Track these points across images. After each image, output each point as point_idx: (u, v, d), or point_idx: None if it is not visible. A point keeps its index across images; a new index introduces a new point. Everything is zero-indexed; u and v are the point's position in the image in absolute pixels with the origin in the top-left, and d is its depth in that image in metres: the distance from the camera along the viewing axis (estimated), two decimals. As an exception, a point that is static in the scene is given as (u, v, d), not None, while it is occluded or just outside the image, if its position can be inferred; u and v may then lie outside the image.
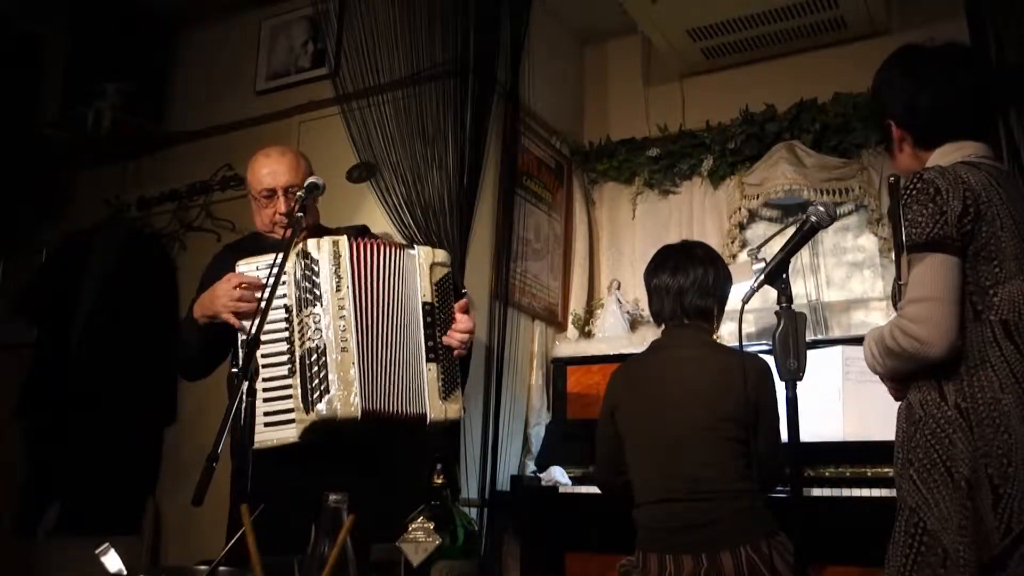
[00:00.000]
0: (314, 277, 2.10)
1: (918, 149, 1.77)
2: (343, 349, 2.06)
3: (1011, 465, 1.49)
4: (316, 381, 2.03)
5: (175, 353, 2.33)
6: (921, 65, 1.78)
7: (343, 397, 2.03)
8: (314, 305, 2.08)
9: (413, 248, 2.23)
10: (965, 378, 1.56)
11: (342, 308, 2.08)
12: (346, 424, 2.04)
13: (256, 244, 2.28)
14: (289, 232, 2.01)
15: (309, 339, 2.06)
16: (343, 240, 2.14)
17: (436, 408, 2.12)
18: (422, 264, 2.20)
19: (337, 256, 2.12)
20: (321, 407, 2.02)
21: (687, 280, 2.35)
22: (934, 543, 1.53)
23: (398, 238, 2.99)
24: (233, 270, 2.15)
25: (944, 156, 1.71)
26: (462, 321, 2.20)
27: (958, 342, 1.57)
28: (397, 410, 2.09)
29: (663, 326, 2.44)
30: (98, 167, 4.01)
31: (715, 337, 2.42)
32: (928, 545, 1.54)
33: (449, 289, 2.23)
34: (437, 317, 2.18)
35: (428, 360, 2.14)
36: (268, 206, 2.27)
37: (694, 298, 2.35)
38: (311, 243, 2.13)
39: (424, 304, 2.17)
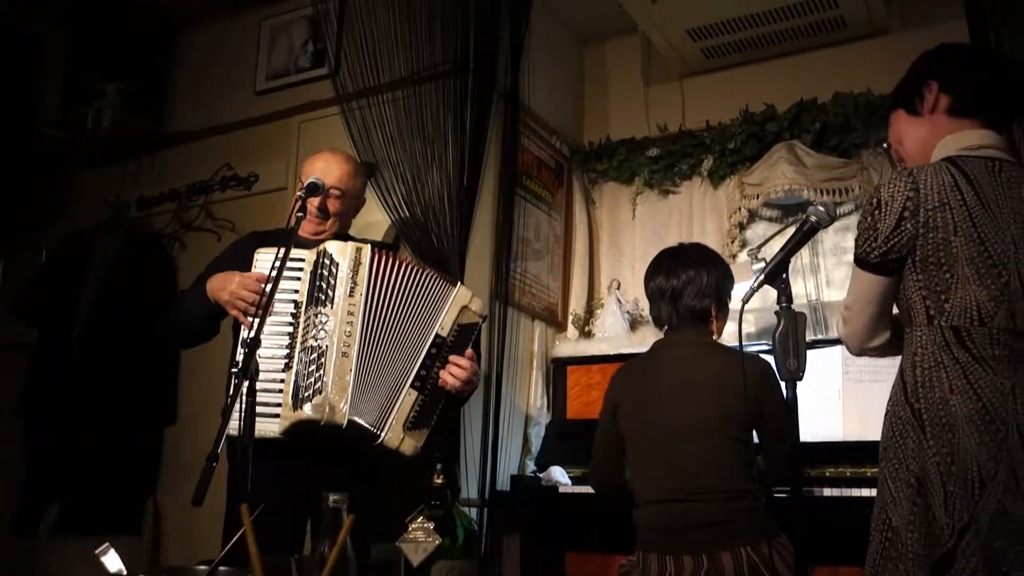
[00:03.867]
0: (330, 279, 2.11)
1: (948, 116, 1.77)
2: (344, 354, 2.06)
3: (954, 464, 1.52)
4: (311, 380, 2.03)
5: (171, 319, 2.32)
6: (983, 51, 1.93)
7: (333, 402, 2.03)
8: (324, 305, 2.09)
9: (456, 284, 2.25)
10: (920, 379, 1.60)
11: (351, 314, 2.10)
12: (329, 429, 2.03)
13: (285, 238, 2.28)
14: (295, 212, 2.03)
15: (312, 338, 2.07)
16: (366, 248, 2.17)
17: (394, 434, 2.08)
18: (456, 300, 2.21)
19: (357, 263, 2.14)
20: (308, 408, 2.02)
21: (680, 282, 2.35)
22: (896, 539, 1.56)
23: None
24: (252, 256, 2.16)
25: (954, 142, 1.73)
26: (463, 361, 2.18)
27: (874, 343, 1.75)
28: (366, 423, 2.07)
29: (664, 328, 2.44)
30: (98, 167, 4.01)
31: (715, 337, 2.41)
32: (891, 541, 1.58)
33: (470, 337, 2.23)
34: (443, 353, 2.17)
35: (412, 386, 2.12)
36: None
37: (689, 300, 2.34)
38: (334, 245, 2.15)
39: (436, 336, 2.17)
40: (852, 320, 1.76)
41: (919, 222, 1.61)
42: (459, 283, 2.27)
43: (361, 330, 2.10)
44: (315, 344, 2.06)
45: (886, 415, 1.67)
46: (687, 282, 2.35)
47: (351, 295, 2.11)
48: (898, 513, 1.57)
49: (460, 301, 2.21)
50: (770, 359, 2.05)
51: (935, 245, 1.61)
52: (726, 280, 2.41)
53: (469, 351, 2.22)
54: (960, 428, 1.52)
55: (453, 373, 2.16)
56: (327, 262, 2.13)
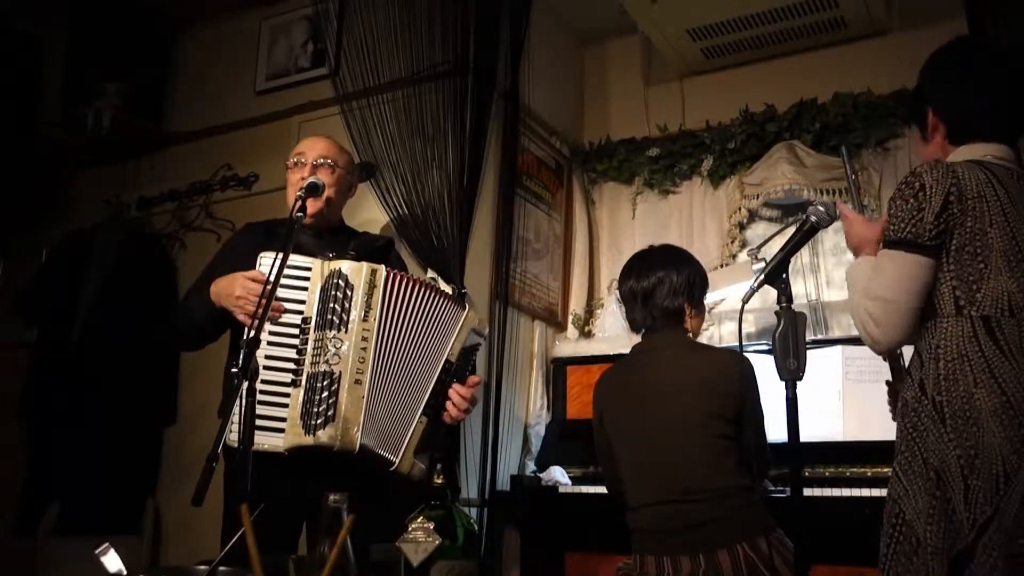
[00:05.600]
0: (344, 301, 2.08)
1: (947, 143, 1.78)
2: (356, 381, 2.04)
3: (977, 458, 1.52)
4: (323, 406, 2.01)
5: (174, 322, 2.31)
6: (973, 62, 1.81)
7: (345, 430, 2.01)
8: (338, 329, 2.06)
9: (464, 307, 2.24)
10: (942, 371, 1.59)
11: (365, 339, 2.07)
12: (341, 454, 2.03)
13: (284, 228, 2.26)
14: (295, 212, 2.01)
15: (325, 361, 2.04)
16: (381, 270, 2.13)
17: (407, 460, 2.08)
18: (464, 324, 2.19)
19: (372, 286, 2.10)
20: (322, 434, 2.00)
21: (650, 283, 2.35)
22: (910, 532, 1.57)
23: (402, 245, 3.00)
24: (254, 253, 2.13)
25: (965, 154, 1.74)
26: (465, 391, 2.17)
27: (905, 340, 1.68)
28: (380, 450, 2.07)
29: (640, 332, 2.43)
30: (98, 167, 4.01)
31: (690, 335, 2.41)
32: (904, 534, 1.58)
33: (471, 358, 2.23)
34: (451, 378, 2.17)
35: (423, 412, 2.12)
36: (294, 172, 2.33)
37: (661, 300, 2.34)
38: (348, 265, 2.12)
39: (447, 362, 2.16)
40: (889, 316, 1.66)
41: (964, 208, 1.62)
42: (467, 307, 2.25)
43: (375, 357, 2.07)
44: (327, 369, 2.03)
45: (903, 412, 1.66)
46: (657, 283, 2.34)
47: (365, 319, 2.07)
48: (912, 506, 1.57)
49: (468, 325, 2.20)
50: (769, 359, 2.05)
51: (973, 234, 1.61)
52: (698, 278, 2.40)
53: (474, 377, 2.22)
54: (985, 422, 1.52)
55: (456, 404, 2.16)
56: (340, 283, 2.09)
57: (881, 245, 1.72)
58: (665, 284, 2.34)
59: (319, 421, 2.00)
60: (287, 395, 2.03)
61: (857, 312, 1.72)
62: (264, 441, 1.96)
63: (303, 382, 2.04)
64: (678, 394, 2.24)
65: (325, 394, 2.02)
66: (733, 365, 2.23)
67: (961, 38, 1.90)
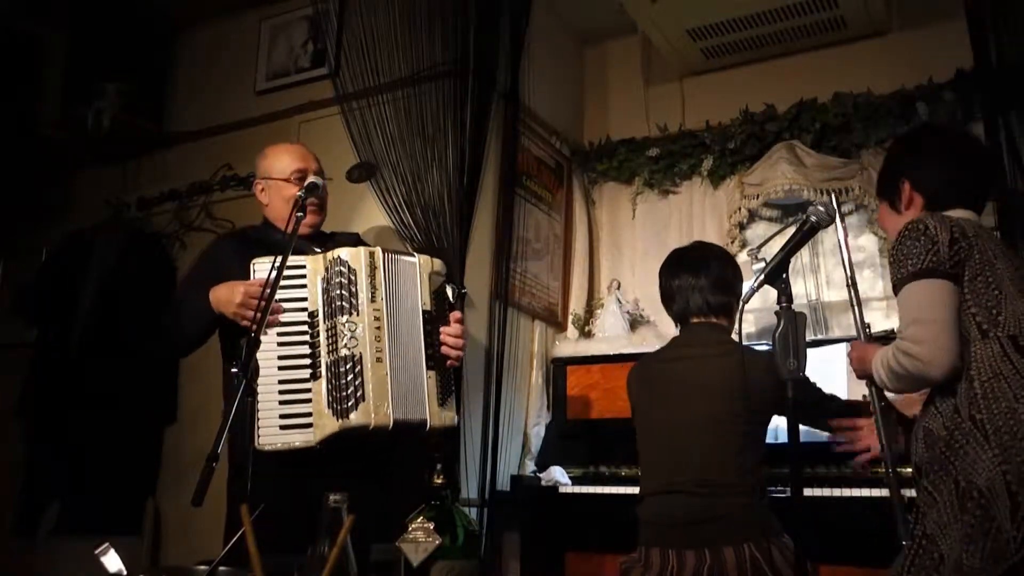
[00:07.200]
0: (351, 286, 2.11)
1: (924, 212, 1.84)
2: (378, 360, 2.09)
3: None
4: (351, 389, 2.04)
5: (169, 328, 2.27)
6: (946, 143, 1.92)
7: (378, 407, 2.05)
8: (349, 313, 2.10)
9: (413, 256, 2.26)
10: (979, 391, 1.59)
11: (377, 319, 2.11)
12: (376, 433, 2.05)
13: (268, 237, 2.27)
14: (291, 227, 2.00)
15: (344, 346, 2.08)
16: (378, 251, 2.17)
17: (435, 415, 2.14)
18: (422, 273, 2.23)
19: (373, 267, 2.15)
20: (354, 416, 2.03)
21: (710, 278, 2.38)
22: (931, 546, 1.56)
23: (396, 240, 3.00)
24: (241, 262, 2.13)
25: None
26: (454, 330, 2.23)
27: (957, 362, 1.62)
28: (411, 417, 2.11)
29: (681, 325, 2.45)
30: (98, 167, 4.01)
31: (732, 333, 2.43)
32: (925, 548, 1.57)
33: (444, 298, 2.27)
34: (435, 326, 2.21)
35: (428, 367, 2.17)
36: (296, 187, 2.25)
37: (719, 294, 2.38)
38: (346, 252, 2.15)
39: (424, 312, 2.20)
40: (932, 333, 1.62)
41: (969, 244, 1.66)
42: (414, 253, 2.31)
43: (389, 333, 2.12)
44: (348, 353, 2.07)
45: (928, 439, 1.66)
46: (718, 277, 2.38)
47: (373, 300, 2.12)
48: (934, 521, 1.57)
49: (426, 270, 2.24)
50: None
51: (982, 265, 1.66)
52: (741, 278, 2.46)
53: (455, 313, 2.27)
54: None
55: (452, 345, 2.22)
56: (343, 269, 2.12)
57: (895, 289, 1.73)
58: (723, 278, 2.39)
59: (349, 404, 2.04)
60: (308, 390, 2.05)
61: (890, 353, 1.68)
62: (294, 439, 2.00)
63: (323, 372, 2.06)
64: (704, 390, 2.26)
65: (350, 377, 2.05)
66: (764, 366, 2.23)
67: (926, 125, 1.99)
